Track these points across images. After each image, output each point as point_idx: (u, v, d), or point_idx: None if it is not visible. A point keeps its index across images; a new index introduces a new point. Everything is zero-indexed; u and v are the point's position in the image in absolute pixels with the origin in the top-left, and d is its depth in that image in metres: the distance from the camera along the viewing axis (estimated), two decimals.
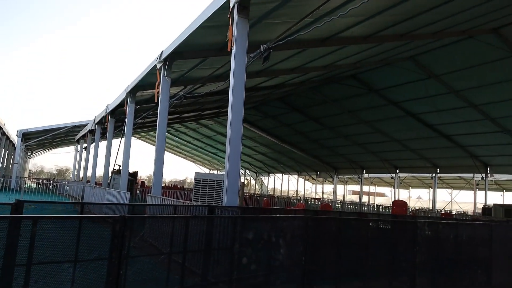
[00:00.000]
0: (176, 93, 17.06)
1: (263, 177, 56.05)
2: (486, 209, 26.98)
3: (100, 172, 25.00)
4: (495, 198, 47.82)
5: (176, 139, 46.61)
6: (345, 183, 51.41)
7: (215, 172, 57.30)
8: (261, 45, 9.23)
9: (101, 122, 23.54)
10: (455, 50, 16.59)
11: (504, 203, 32.44)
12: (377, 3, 10.69)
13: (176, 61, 12.61)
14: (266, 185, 56.37)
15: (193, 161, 62.40)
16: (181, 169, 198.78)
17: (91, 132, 26.79)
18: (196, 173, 14.80)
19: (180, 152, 57.97)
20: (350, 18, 11.44)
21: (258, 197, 31.05)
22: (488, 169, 28.17)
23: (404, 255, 6.98)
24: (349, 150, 33.64)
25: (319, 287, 5.86)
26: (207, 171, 58.19)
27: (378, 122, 26.34)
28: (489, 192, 34.31)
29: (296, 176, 49.87)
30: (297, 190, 51.42)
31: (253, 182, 58.48)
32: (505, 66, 16.47)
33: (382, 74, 20.21)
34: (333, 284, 5.95)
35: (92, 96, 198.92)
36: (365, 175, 38.89)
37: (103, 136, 26.44)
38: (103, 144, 24.11)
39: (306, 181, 52.35)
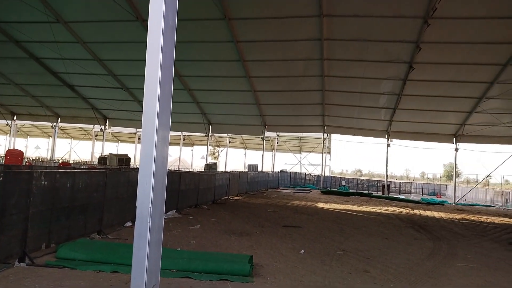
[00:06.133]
0: None
1: None
2: (103, 158, 29.35)
3: None
4: (111, 148, 52.97)
5: None
6: None
7: None
8: None
9: None
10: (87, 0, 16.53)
11: (119, 153, 36.47)
12: None
13: None
14: None
15: None
16: None
17: None
18: None
19: None
20: None
21: None
22: (107, 121, 30.58)
23: (17, 208, 6.47)
24: None
25: None
26: None
27: None
28: (106, 143, 37.53)
29: None
30: None
31: None
32: (130, 29, 18.03)
33: (4, 5, 17.26)
34: None
35: None
36: None
37: None
38: None
39: None
